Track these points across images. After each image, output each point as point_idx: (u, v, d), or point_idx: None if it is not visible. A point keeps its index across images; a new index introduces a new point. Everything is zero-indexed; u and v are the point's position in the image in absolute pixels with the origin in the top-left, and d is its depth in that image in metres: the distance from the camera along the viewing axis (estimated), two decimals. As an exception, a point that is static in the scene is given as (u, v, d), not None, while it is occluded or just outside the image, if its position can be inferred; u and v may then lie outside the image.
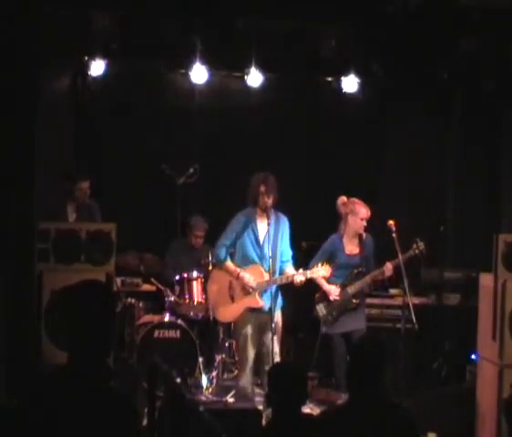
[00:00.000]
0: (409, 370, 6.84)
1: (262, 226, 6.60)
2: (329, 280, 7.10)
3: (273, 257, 6.54)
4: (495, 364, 6.01)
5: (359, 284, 7.08)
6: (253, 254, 6.61)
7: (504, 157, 8.58)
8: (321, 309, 7.20)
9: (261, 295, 6.53)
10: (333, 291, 7.10)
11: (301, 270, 6.57)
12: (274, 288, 6.55)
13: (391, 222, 6.93)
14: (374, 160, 9.15)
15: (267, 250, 6.51)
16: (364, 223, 7.12)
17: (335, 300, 7.11)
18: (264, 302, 6.53)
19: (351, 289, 7.08)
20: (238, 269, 6.60)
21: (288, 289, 6.80)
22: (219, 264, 6.75)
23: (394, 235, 6.89)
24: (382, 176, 9.09)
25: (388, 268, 6.97)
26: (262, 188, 6.52)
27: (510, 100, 8.20)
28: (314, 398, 7.41)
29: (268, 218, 6.55)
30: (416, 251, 6.95)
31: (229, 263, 6.66)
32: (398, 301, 7.20)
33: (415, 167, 8.93)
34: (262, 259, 6.56)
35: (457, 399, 6.56)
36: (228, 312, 6.76)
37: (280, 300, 6.72)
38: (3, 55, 5.39)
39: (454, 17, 7.32)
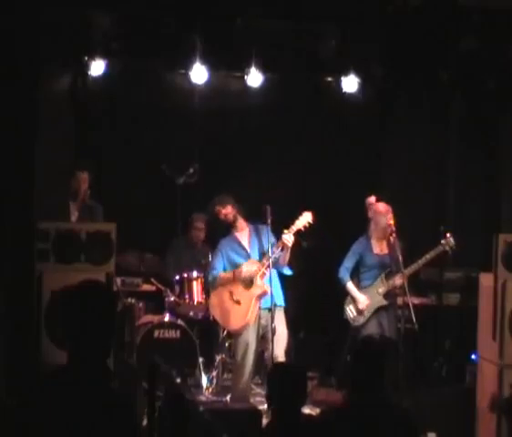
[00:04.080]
0: (409, 370, 6.84)
1: (244, 234, 6.88)
2: (360, 282, 7.05)
3: (262, 254, 6.70)
4: (495, 364, 6.02)
5: (390, 283, 6.95)
6: (241, 259, 6.74)
7: (504, 158, 8.57)
8: (351, 310, 7.03)
9: (263, 282, 6.58)
10: (362, 301, 6.96)
11: (285, 231, 6.63)
12: (274, 288, 6.58)
13: (391, 222, 6.92)
14: (374, 160, 9.14)
15: (253, 252, 6.65)
16: (389, 220, 6.97)
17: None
18: (268, 285, 6.55)
19: (381, 289, 6.97)
20: (231, 271, 6.71)
21: (290, 288, 6.82)
22: (213, 283, 6.87)
23: (394, 235, 6.88)
24: (382, 176, 9.08)
25: (418, 264, 6.87)
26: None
27: (510, 100, 8.19)
28: (314, 398, 7.40)
29: (241, 232, 6.81)
30: (446, 247, 6.87)
31: (221, 273, 6.79)
32: (398, 301, 7.18)
33: (415, 167, 8.92)
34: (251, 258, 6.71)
35: (457, 399, 6.56)
36: (240, 317, 6.76)
37: (281, 299, 6.73)
38: (3, 55, 5.39)
39: (454, 17, 7.31)
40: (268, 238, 6.65)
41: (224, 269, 6.83)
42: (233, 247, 6.84)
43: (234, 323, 6.88)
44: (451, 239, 6.87)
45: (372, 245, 7.06)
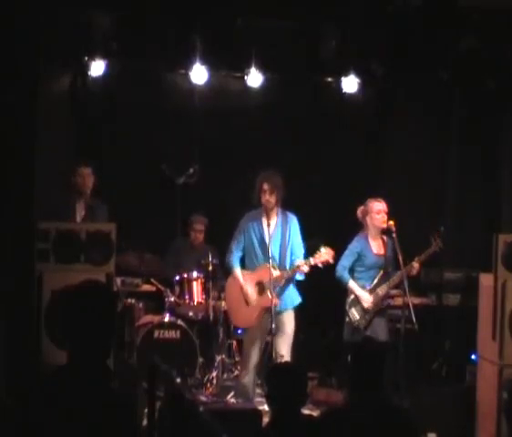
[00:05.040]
0: (409, 370, 6.83)
1: (270, 224, 6.64)
2: (358, 282, 7.01)
3: (282, 256, 6.60)
4: (495, 364, 6.02)
5: (388, 284, 6.89)
6: (260, 254, 6.67)
7: (504, 158, 8.58)
8: (354, 314, 6.93)
9: (274, 293, 6.53)
10: (367, 299, 6.87)
11: (303, 261, 6.59)
12: (278, 289, 6.59)
13: (391, 222, 6.91)
14: (374, 160, 9.14)
15: (272, 250, 6.54)
16: (383, 217, 6.91)
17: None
18: (278, 300, 6.53)
19: (381, 291, 6.89)
20: (242, 281, 6.71)
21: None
22: (229, 270, 6.82)
23: (394, 235, 6.87)
24: (382, 176, 9.09)
25: (415, 266, 6.85)
26: (265, 187, 6.59)
27: (510, 100, 8.20)
28: (314, 398, 7.40)
29: (268, 218, 6.59)
30: (437, 248, 6.87)
31: (236, 271, 6.76)
32: (398, 301, 7.18)
33: (415, 167, 8.92)
34: (269, 258, 6.57)
35: (457, 399, 6.56)
36: (245, 317, 6.80)
37: (292, 300, 6.72)
38: (3, 54, 5.39)
39: (454, 17, 7.31)
40: (291, 238, 6.65)
41: (243, 249, 6.76)
42: (255, 232, 6.69)
43: (238, 320, 7.04)
44: (439, 240, 6.88)
45: (370, 245, 7.03)
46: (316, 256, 6.56)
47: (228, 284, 6.97)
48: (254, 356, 6.69)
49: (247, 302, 6.73)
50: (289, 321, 6.67)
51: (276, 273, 6.54)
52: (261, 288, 6.66)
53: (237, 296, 6.76)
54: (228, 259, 6.83)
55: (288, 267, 6.68)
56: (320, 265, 6.58)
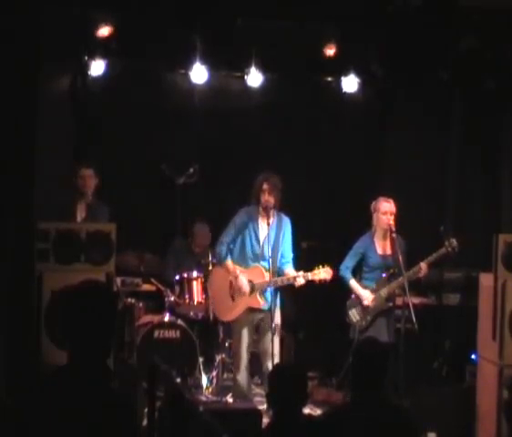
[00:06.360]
0: (409, 370, 6.84)
1: (264, 225, 6.65)
2: (361, 281, 6.99)
3: (273, 258, 6.57)
4: (495, 364, 6.02)
5: (392, 286, 6.88)
6: (252, 252, 6.66)
7: (504, 158, 8.58)
8: (354, 314, 6.94)
9: (261, 295, 6.57)
10: (367, 297, 6.88)
11: (301, 273, 6.57)
12: (273, 288, 6.59)
13: (391, 222, 6.90)
14: (374, 160, 9.14)
15: (266, 251, 6.54)
16: (388, 218, 6.89)
17: (369, 305, 6.91)
18: (265, 302, 6.56)
19: (384, 293, 6.89)
20: (237, 271, 6.64)
21: (288, 288, 6.81)
22: (219, 261, 6.80)
23: (394, 235, 6.87)
24: (382, 176, 9.08)
25: (423, 268, 6.84)
26: (265, 186, 6.60)
27: (510, 100, 8.20)
28: (315, 398, 7.40)
29: (268, 218, 6.60)
30: (449, 249, 6.81)
31: (228, 262, 6.71)
32: (398, 301, 7.19)
33: (415, 167, 8.92)
34: (261, 258, 6.60)
35: (457, 399, 6.56)
36: (229, 311, 6.80)
37: (278, 299, 6.74)
38: (3, 54, 5.39)
39: (454, 17, 7.32)
40: (284, 241, 6.65)
41: (234, 243, 6.74)
42: (250, 230, 6.68)
43: (221, 313, 7.00)
44: (453, 241, 6.83)
45: (375, 245, 7.00)
46: (315, 272, 6.53)
47: (213, 273, 6.98)
48: (244, 355, 6.69)
49: (233, 296, 6.70)
50: (279, 320, 6.68)
51: (267, 277, 6.54)
52: (250, 287, 6.66)
53: (223, 287, 6.74)
54: (219, 250, 6.77)
55: (277, 269, 6.65)
56: (317, 282, 6.55)
